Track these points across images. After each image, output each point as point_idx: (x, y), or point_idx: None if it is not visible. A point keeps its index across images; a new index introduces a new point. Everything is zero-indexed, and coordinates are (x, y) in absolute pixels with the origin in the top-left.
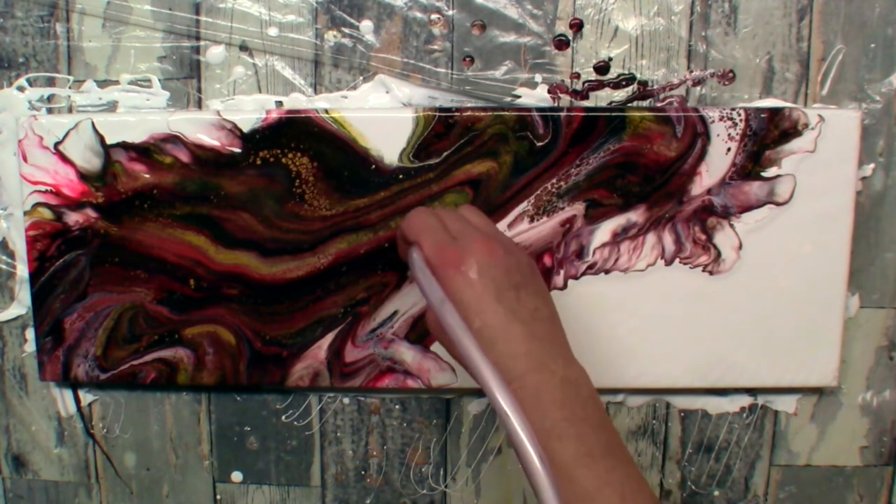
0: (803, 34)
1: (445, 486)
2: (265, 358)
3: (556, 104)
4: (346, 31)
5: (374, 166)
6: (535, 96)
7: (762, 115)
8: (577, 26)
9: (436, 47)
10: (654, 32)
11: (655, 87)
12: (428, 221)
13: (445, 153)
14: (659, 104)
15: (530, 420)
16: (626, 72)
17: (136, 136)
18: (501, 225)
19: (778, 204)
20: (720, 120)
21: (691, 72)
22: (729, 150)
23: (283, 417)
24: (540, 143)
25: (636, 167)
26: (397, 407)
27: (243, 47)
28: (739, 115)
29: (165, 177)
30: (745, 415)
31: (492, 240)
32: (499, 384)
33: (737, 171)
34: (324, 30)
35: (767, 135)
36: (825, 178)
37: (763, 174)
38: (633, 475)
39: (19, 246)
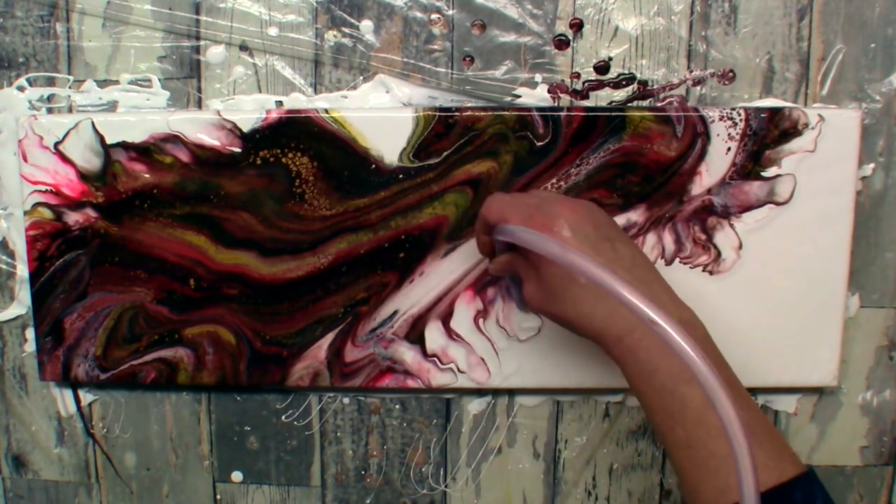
0: (803, 34)
1: (445, 486)
2: (265, 358)
3: (556, 104)
4: (346, 30)
5: (374, 166)
6: (535, 96)
7: (762, 115)
8: (577, 26)
9: (436, 47)
10: (654, 32)
11: (655, 86)
12: (507, 201)
13: (445, 153)
14: (659, 104)
15: (658, 367)
16: (626, 71)
17: (136, 136)
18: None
19: (778, 204)
20: (720, 120)
21: (691, 72)
22: (729, 149)
23: (283, 417)
24: (540, 143)
25: (636, 167)
26: (397, 407)
27: (243, 47)
28: (739, 114)
29: (165, 177)
30: None
31: (571, 200)
32: (659, 312)
33: (737, 171)
34: (324, 30)
35: (767, 134)
36: (825, 177)
37: (763, 174)
38: (757, 412)
39: (19, 246)
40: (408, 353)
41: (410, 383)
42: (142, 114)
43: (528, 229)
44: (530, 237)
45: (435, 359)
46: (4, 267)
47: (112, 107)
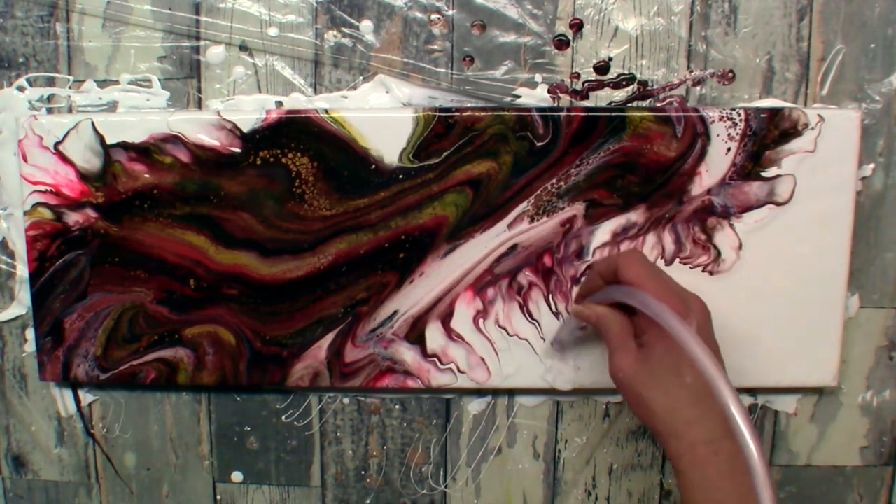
0: (803, 34)
1: (445, 486)
2: (265, 358)
3: (556, 104)
4: (346, 31)
5: (374, 166)
6: (535, 96)
7: (762, 115)
8: (577, 26)
9: (436, 47)
10: (654, 32)
11: (655, 87)
12: (649, 268)
13: (445, 153)
14: (659, 104)
15: (722, 487)
16: (626, 72)
17: (136, 136)
18: (501, 225)
19: (778, 204)
20: (720, 120)
21: (691, 72)
22: (729, 149)
23: (283, 417)
24: (540, 143)
25: (636, 167)
26: (397, 407)
27: (243, 47)
28: (739, 115)
29: (165, 177)
30: None
31: (698, 298)
32: (751, 429)
33: (737, 171)
34: (324, 30)
35: (767, 135)
36: (825, 178)
37: (763, 174)
38: None
39: (19, 246)
40: (408, 353)
41: (410, 383)
42: (142, 114)
43: (672, 311)
44: (673, 322)
45: (435, 359)
46: (4, 267)
47: (112, 107)
